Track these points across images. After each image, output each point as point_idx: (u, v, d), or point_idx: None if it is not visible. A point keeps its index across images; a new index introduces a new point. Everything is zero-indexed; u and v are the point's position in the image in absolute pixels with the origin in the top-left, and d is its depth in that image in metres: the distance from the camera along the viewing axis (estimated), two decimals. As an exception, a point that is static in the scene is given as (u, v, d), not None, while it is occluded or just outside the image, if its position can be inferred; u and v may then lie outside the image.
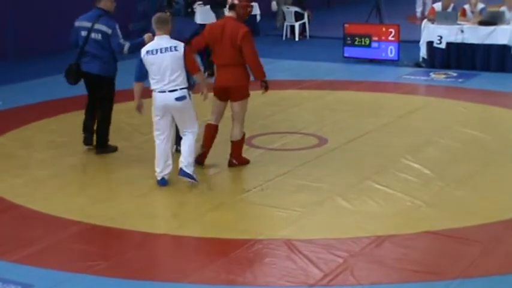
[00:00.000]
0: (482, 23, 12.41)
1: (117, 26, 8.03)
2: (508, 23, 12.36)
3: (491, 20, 12.42)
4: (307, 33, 16.58)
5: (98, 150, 8.17)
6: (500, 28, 12.20)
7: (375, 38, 13.18)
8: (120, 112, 9.83)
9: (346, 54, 13.55)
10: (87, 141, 8.24)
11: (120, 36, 8.01)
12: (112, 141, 8.47)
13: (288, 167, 7.68)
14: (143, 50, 6.97)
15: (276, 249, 5.69)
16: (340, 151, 8.15)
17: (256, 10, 16.88)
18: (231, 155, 7.65)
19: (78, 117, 9.83)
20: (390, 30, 13.10)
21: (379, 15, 15.43)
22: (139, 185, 7.17)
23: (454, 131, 8.85)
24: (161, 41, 6.90)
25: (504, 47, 12.15)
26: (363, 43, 13.29)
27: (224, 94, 7.43)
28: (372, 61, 13.25)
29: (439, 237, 5.87)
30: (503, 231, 6.01)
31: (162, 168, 7.02)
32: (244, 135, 7.61)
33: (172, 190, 7.07)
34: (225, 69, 7.35)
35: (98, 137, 8.18)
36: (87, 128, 8.26)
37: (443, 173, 7.34)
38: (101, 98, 8.19)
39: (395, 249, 5.68)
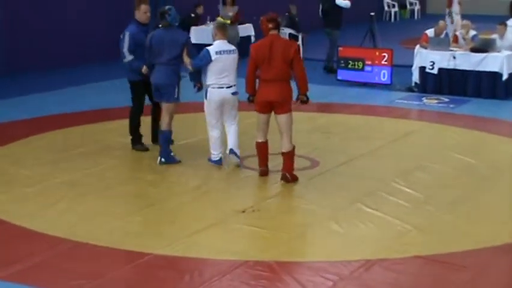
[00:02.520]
0: (474, 49, 12.51)
1: (127, 34, 8.54)
2: (499, 51, 12.46)
3: (483, 47, 12.52)
4: (301, 55, 16.60)
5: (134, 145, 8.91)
6: (492, 55, 12.29)
7: (368, 62, 13.25)
8: (112, 131, 9.84)
9: (339, 77, 13.60)
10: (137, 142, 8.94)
11: (126, 45, 8.51)
12: (102, 160, 8.49)
13: (279, 188, 7.66)
14: (212, 50, 7.97)
15: (266, 271, 5.65)
16: (331, 174, 8.14)
17: (251, 31, 17.03)
18: (283, 169, 7.78)
19: (67, 134, 9.83)
20: (383, 54, 13.18)
21: (373, 40, 15.52)
22: (129, 204, 7.13)
23: (445, 156, 8.87)
24: (224, 44, 8.06)
25: (495, 74, 12.23)
26: (356, 66, 13.35)
27: (268, 107, 7.73)
28: (364, 84, 13.30)
29: (429, 262, 5.85)
30: (493, 258, 6.00)
31: (219, 150, 8.17)
32: (294, 147, 7.76)
33: (162, 209, 7.04)
34: (272, 84, 7.65)
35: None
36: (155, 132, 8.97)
37: (433, 198, 7.34)
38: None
39: (384, 273, 5.66)
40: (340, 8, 14.78)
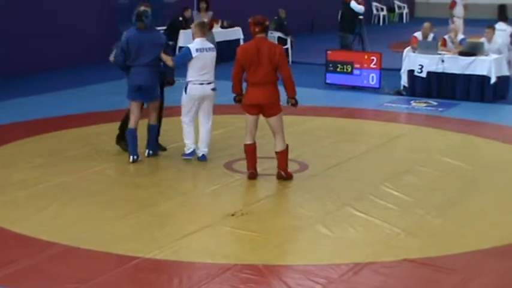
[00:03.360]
0: (463, 53, 12.59)
1: (122, 37, 8.45)
2: (487, 54, 12.55)
3: (471, 50, 12.61)
4: (290, 59, 16.69)
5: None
6: (480, 59, 12.38)
7: (357, 65, 13.30)
8: (103, 134, 9.83)
9: (328, 81, 13.65)
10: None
11: (116, 49, 8.49)
12: (94, 163, 8.54)
13: (268, 192, 7.70)
14: (193, 48, 8.30)
15: (255, 274, 5.67)
16: (320, 177, 8.17)
17: (239, 35, 17.06)
18: (278, 166, 7.92)
19: (59, 137, 9.82)
20: (372, 58, 13.23)
21: (361, 43, 15.58)
22: (120, 207, 7.13)
23: (433, 160, 8.92)
24: (203, 42, 8.39)
25: (483, 77, 12.31)
26: (345, 70, 13.40)
27: (257, 109, 7.82)
28: (353, 88, 13.36)
29: (418, 265, 5.90)
30: (482, 260, 6.05)
31: (191, 141, 8.52)
32: (287, 146, 7.87)
33: (152, 213, 7.05)
34: (259, 87, 7.73)
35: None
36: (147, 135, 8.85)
37: (422, 201, 7.39)
38: None
39: (373, 277, 5.69)
40: (354, 13, 14.83)
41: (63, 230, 6.50)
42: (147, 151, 8.63)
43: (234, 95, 8.00)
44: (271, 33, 16.60)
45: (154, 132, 8.66)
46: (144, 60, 8.29)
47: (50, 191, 7.56)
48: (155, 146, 8.70)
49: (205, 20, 15.26)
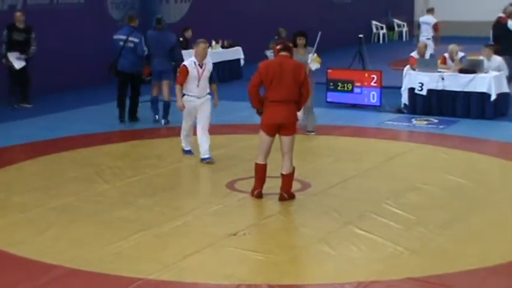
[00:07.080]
0: (462, 71, 12.62)
1: (142, 38, 11.81)
2: (487, 71, 12.58)
3: (471, 68, 12.64)
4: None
5: (132, 119, 12.02)
6: (480, 76, 12.41)
7: (358, 84, 13.33)
8: (103, 155, 9.83)
9: (328, 99, 13.67)
10: (121, 117, 11.90)
11: (144, 44, 11.75)
12: (95, 185, 8.53)
13: (270, 211, 7.67)
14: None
15: (258, 295, 5.64)
16: (322, 196, 8.16)
17: (240, 54, 17.11)
18: (281, 188, 7.89)
19: (59, 158, 9.83)
20: (372, 76, 13.26)
21: (362, 61, 15.63)
22: (121, 228, 7.11)
23: (435, 177, 8.91)
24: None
25: (483, 94, 12.33)
26: (346, 88, 13.42)
27: (276, 130, 7.80)
28: (354, 106, 13.38)
29: (421, 283, 5.86)
30: (486, 278, 6.02)
31: (185, 143, 9.83)
32: (294, 168, 7.86)
33: (154, 233, 7.02)
34: (281, 105, 7.70)
35: (132, 111, 12.05)
36: (122, 106, 11.93)
37: (425, 219, 7.36)
38: (133, 86, 12.01)
39: (377, 296, 5.66)
40: (510, 33, 13.99)
41: (64, 252, 6.47)
42: (163, 121, 11.65)
43: (256, 110, 7.91)
44: (271, 52, 16.66)
45: (167, 106, 11.65)
46: (161, 52, 11.68)
47: (50, 213, 7.55)
48: (167, 116, 11.67)
49: (308, 59, 11.03)
